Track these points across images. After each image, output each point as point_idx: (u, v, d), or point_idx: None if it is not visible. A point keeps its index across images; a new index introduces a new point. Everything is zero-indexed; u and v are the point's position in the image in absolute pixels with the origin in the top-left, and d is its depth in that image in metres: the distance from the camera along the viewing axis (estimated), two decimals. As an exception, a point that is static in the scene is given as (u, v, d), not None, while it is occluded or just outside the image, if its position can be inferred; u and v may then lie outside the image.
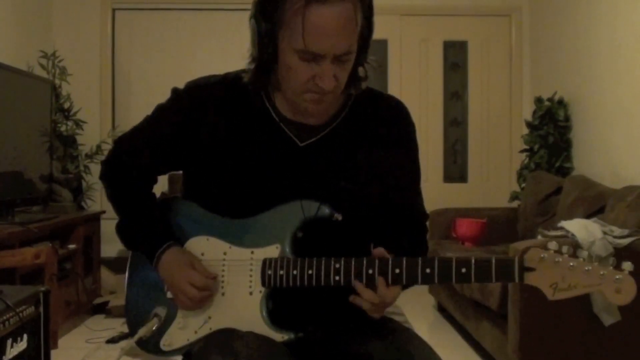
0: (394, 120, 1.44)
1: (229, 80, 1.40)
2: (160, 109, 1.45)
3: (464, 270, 1.23)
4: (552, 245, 1.19)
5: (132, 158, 1.48)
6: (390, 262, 1.27)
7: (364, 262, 1.28)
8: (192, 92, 1.41)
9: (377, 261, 1.27)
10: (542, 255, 1.19)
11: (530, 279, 1.20)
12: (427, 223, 1.52)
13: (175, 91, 1.44)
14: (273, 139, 1.38)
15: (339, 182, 1.37)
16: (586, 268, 1.16)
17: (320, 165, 1.37)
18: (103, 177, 1.52)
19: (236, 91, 1.38)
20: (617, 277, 1.15)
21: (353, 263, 1.28)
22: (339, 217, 1.33)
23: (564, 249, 1.19)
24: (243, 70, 1.37)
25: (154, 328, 1.40)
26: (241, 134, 1.38)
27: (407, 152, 1.46)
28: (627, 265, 1.16)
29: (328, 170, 1.38)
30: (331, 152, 1.38)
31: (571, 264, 1.17)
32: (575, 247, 1.20)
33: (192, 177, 1.47)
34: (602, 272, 1.16)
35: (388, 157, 1.41)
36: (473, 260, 1.23)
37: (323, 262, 1.29)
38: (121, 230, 1.49)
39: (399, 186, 1.44)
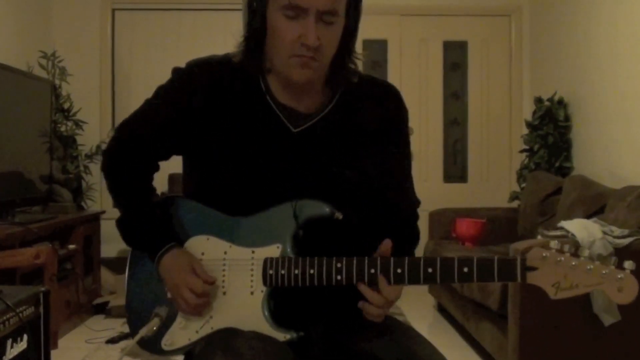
0: (387, 105, 1.45)
1: (229, 61, 1.41)
2: (161, 89, 1.45)
3: (466, 269, 1.23)
4: (554, 244, 1.19)
5: (134, 141, 1.46)
6: (392, 261, 1.27)
7: (366, 261, 1.28)
8: (192, 71, 1.41)
9: (378, 260, 1.27)
10: (544, 255, 1.19)
11: (533, 278, 1.20)
12: (420, 209, 1.53)
13: (175, 70, 1.44)
14: (267, 123, 1.38)
15: (332, 169, 1.38)
16: (588, 267, 1.16)
17: (313, 151, 1.38)
18: (105, 166, 1.50)
19: (235, 72, 1.39)
20: (619, 276, 1.15)
21: (355, 262, 1.28)
22: (339, 215, 1.33)
23: (566, 247, 1.19)
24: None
25: (155, 328, 1.39)
26: (237, 118, 1.38)
27: (399, 138, 1.46)
28: (629, 264, 1.16)
29: (321, 156, 1.38)
30: (324, 139, 1.39)
31: (573, 263, 1.17)
32: (577, 246, 1.20)
33: (190, 165, 1.46)
34: (604, 272, 1.15)
35: (381, 143, 1.42)
36: (475, 260, 1.23)
37: (325, 261, 1.29)
38: (122, 226, 1.48)
39: (392, 174, 1.44)
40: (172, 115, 1.40)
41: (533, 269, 1.20)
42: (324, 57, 1.32)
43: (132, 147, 1.47)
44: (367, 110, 1.42)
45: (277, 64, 1.33)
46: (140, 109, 1.47)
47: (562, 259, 1.18)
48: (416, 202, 1.52)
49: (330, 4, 1.26)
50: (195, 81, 1.39)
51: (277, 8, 1.27)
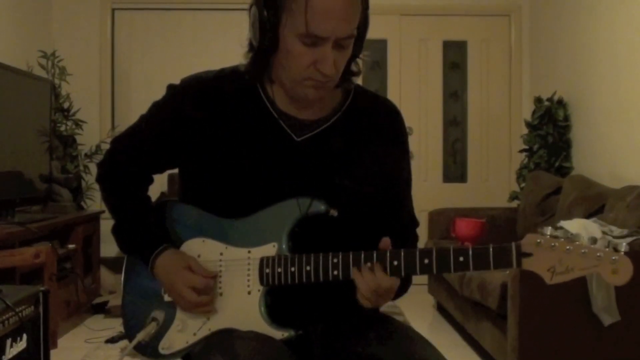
0: (389, 123, 1.46)
1: (225, 75, 1.41)
2: (156, 106, 1.46)
3: (461, 259, 1.23)
4: (548, 230, 1.19)
5: (129, 157, 1.48)
6: (388, 254, 1.27)
7: (362, 255, 1.28)
8: (187, 87, 1.41)
9: (374, 254, 1.27)
10: (538, 241, 1.19)
11: (528, 264, 1.20)
12: (418, 230, 1.53)
13: (170, 87, 1.44)
14: (269, 132, 1.38)
15: (334, 178, 1.37)
16: (582, 251, 1.16)
17: (315, 160, 1.38)
18: (99, 178, 1.53)
19: (232, 85, 1.39)
20: (614, 257, 1.15)
21: (351, 257, 1.28)
22: (334, 212, 1.33)
23: (560, 233, 1.19)
24: (238, 66, 1.39)
25: (152, 332, 1.39)
26: (237, 128, 1.38)
27: (400, 155, 1.47)
28: (623, 246, 1.16)
29: (323, 165, 1.38)
30: (327, 148, 1.39)
31: (567, 247, 1.17)
32: (571, 233, 1.20)
33: (188, 174, 1.46)
34: (598, 254, 1.15)
35: (382, 158, 1.42)
36: (471, 249, 1.23)
37: (321, 257, 1.29)
38: (117, 233, 1.49)
39: (392, 188, 1.44)
40: (166, 132, 1.41)
41: (528, 255, 1.20)
42: (338, 76, 1.32)
43: (126, 162, 1.48)
44: (369, 124, 1.43)
45: (288, 83, 1.33)
46: (134, 125, 1.48)
47: (557, 244, 1.18)
48: (415, 223, 1.52)
49: (349, 30, 1.26)
50: (190, 97, 1.39)
51: (293, 34, 1.25)
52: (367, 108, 1.43)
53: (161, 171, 1.51)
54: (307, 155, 1.37)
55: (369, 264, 1.27)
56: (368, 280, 1.26)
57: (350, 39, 1.28)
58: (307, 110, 1.39)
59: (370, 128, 1.42)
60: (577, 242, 1.17)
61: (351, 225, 1.38)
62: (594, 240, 1.17)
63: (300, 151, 1.37)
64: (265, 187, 1.36)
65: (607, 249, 1.16)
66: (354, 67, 1.39)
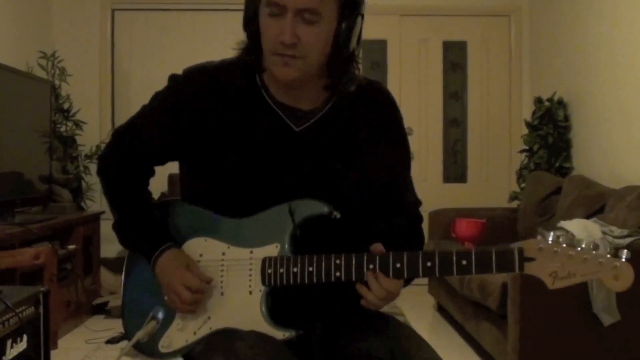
0: (383, 106, 1.46)
1: (226, 66, 1.42)
2: (158, 96, 1.46)
3: (464, 262, 1.23)
4: (550, 236, 1.21)
5: (131, 148, 1.47)
6: (390, 256, 1.27)
7: (365, 257, 1.28)
8: (189, 77, 1.42)
9: (377, 256, 1.28)
10: (540, 246, 1.20)
11: (530, 268, 1.21)
12: (420, 209, 1.52)
13: (172, 77, 1.45)
14: (269, 123, 1.38)
15: (335, 167, 1.38)
16: (584, 257, 1.18)
17: (316, 149, 1.39)
18: (100, 171, 1.51)
19: (233, 76, 1.40)
20: (615, 264, 1.17)
21: (354, 258, 1.29)
22: (337, 214, 1.33)
23: (562, 239, 1.21)
24: (239, 57, 1.40)
25: (152, 331, 1.39)
26: (238, 119, 1.38)
27: (397, 139, 1.47)
28: (625, 253, 1.18)
29: (324, 154, 1.39)
30: (326, 137, 1.39)
31: (570, 252, 1.19)
32: (573, 238, 1.22)
33: (189, 170, 1.46)
34: (600, 260, 1.17)
35: (380, 143, 1.43)
36: (473, 252, 1.23)
37: (323, 258, 1.30)
38: (118, 229, 1.48)
39: (391, 172, 1.45)
40: (168, 122, 1.41)
41: (531, 259, 1.21)
42: (308, 56, 1.30)
43: (127, 153, 1.47)
44: (364, 110, 1.43)
45: (266, 62, 1.35)
46: (136, 115, 1.48)
47: (559, 249, 1.19)
48: (418, 202, 1.52)
49: (308, 1, 1.26)
50: (192, 87, 1.40)
51: (263, 6, 1.29)
52: (359, 93, 1.43)
53: (163, 162, 1.50)
54: (308, 145, 1.38)
55: (371, 267, 1.27)
56: (376, 291, 1.27)
57: (315, 15, 1.27)
58: (303, 99, 1.39)
59: (365, 112, 1.43)
60: (579, 248, 1.19)
61: (354, 223, 1.38)
62: (596, 246, 1.19)
63: (300, 141, 1.38)
64: (268, 178, 1.37)
65: (608, 256, 1.18)
66: (353, 70, 1.38)
